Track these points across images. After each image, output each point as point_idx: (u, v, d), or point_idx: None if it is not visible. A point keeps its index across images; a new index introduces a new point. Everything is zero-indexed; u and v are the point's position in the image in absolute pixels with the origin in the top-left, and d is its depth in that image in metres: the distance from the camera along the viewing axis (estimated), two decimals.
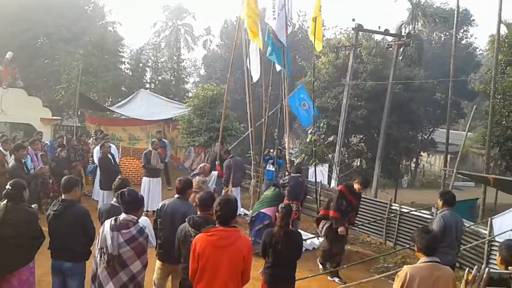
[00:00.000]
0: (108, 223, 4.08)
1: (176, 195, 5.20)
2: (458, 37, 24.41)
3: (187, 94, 22.90)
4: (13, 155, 8.54)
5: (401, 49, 17.36)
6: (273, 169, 12.27)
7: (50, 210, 4.76)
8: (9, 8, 21.27)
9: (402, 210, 10.05)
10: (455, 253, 5.97)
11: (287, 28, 9.60)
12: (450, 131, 18.04)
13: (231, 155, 11.37)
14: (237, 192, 10.98)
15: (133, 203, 4.21)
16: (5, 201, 4.66)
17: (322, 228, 7.58)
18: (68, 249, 4.63)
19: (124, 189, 4.32)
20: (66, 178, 4.91)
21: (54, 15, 22.16)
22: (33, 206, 7.13)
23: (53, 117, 16.46)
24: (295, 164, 11.09)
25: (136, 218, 4.16)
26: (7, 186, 4.75)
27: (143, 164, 10.83)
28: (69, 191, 4.77)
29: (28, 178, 8.08)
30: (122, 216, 4.12)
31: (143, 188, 10.41)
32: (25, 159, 8.72)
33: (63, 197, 4.77)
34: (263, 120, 11.52)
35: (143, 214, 4.46)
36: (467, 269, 2.63)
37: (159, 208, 5.21)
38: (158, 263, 5.22)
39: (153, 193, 10.44)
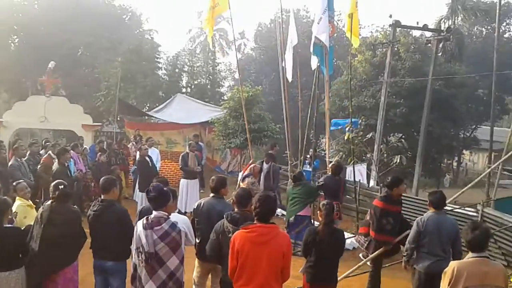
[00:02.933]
0: (140, 222, 4.09)
1: (211, 194, 5.19)
2: (501, 30, 23.52)
3: (222, 97, 23.09)
4: (56, 160, 8.87)
5: (441, 45, 16.88)
6: (310, 170, 12.12)
7: (90, 210, 4.83)
8: (51, 20, 22.12)
9: (445, 208, 9.66)
10: (437, 260, 5.19)
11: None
12: (494, 128, 17.32)
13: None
14: None
15: (159, 198, 4.14)
16: (49, 202, 4.79)
17: (367, 246, 6.67)
18: (109, 249, 4.69)
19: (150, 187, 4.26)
20: (104, 178, 4.97)
21: (93, 25, 22.85)
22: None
23: (94, 124, 16.88)
24: (332, 163, 10.53)
25: (167, 214, 4.14)
26: (51, 187, 4.89)
27: (180, 166, 10.95)
28: (108, 192, 4.84)
29: (70, 181, 8.34)
30: (153, 214, 4.11)
31: (181, 190, 10.52)
32: (68, 162, 9.01)
33: (102, 197, 4.85)
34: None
35: (176, 211, 4.43)
36: None
37: (195, 207, 5.22)
38: (197, 261, 5.23)
39: (191, 194, 10.53)
